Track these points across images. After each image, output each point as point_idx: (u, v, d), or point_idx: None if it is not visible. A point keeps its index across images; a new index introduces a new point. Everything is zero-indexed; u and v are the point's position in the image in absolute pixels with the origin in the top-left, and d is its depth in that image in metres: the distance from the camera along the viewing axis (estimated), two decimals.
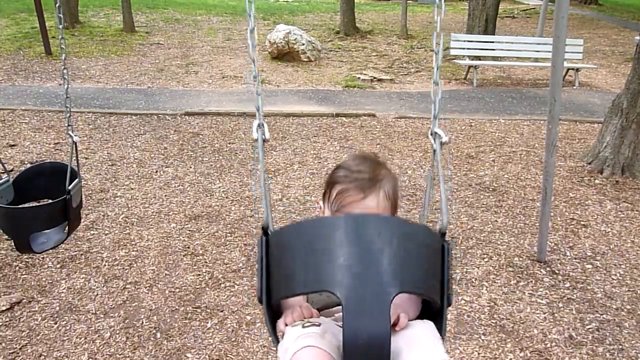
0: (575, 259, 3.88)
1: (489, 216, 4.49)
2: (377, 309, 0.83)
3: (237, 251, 3.84)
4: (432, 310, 1.08)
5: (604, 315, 3.23)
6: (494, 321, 3.14)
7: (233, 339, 2.93)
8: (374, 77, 9.95)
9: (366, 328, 0.83)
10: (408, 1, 15.12)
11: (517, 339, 2.99)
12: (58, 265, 3.60)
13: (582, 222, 4.43)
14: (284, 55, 11.01)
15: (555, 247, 4.02)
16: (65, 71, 2.41)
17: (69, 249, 3.78)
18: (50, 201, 2.42)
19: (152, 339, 2.93)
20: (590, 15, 20.29)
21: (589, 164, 5.60)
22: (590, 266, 3.78)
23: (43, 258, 3.65)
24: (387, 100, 8.48)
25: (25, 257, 3.62)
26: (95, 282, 3.44)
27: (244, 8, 1.34)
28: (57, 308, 3.16)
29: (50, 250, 2.89)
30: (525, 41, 11.05)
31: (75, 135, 2.43)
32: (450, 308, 2.70)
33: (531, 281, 3.56)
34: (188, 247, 3.87)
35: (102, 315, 3.11)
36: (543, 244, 3.81)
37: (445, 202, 1.21)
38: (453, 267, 3.66)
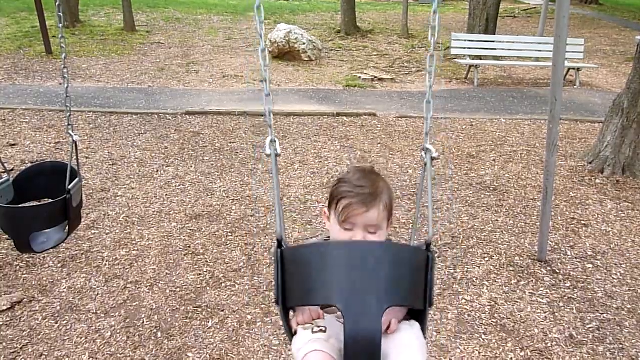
0: (575, 258, 3.87)
1: (490, 216, 4.49)
2: (371, 320, 1.04)
3: (238, 250, 3.84)
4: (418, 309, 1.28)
5: (605, 315, 3.23)
6: (494, 320, 3.14)
7: (234, 339, 2.93)
8: (375, 77, 9.94)
9: (362, 334, 1.04)
10: (409, 1, 15.12)
11: (517, 339, 2.99)
12: (59, 265, 3.60)
13: (583, 222, 4.43)
14: (285, 54, 11.01)
15: (555, 246, 4.02)
16: (65, 70, 2.41)
17: (69, 248, 3.79)
18: (50, 201, 2.42)
19: (152, 338, 2.93)
20: (591, 15, 20.28)
21: (590, 163, 5.60)
22: (590, 266, 3.78)
23: (44, 257, 3.66)
24: (387, 99, 8.48)
25: (26, 256, 3.63)
26: (96, 281, 3.44)
27: (256, 30, 1.49)
28: (58, 307, 3.16)
29: (51, 250, 2.89)
30: (526, 41, 11.04)
31: (75, 135, 2.43)
32: (450, 307, 2.95)
33: (532, 280, 3.56)
34: (189, 247, 3.88)
35: (102, 315, 3.11)
36: (544, 244, 3.81)
37: (431, 216, 1.32)
38: (452, 268, 3.64)
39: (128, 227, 4.14)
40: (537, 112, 7.91)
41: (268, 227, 4.19)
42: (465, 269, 3.67)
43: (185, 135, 6.29)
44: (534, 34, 13.03)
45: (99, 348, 2.84)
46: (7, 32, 12.34)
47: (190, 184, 4.95)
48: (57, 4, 2.30)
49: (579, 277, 3.63)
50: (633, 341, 3.00)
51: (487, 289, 3.45)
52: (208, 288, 3.39)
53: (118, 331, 2.98)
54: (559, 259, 3.85)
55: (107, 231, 4.07)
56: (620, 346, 2.96)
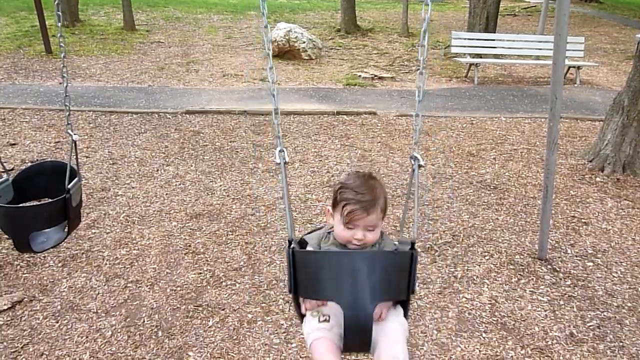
0: (576, 256, 3.87)
1: (490, 214, 4.49)
2: (365, 314, 1.34)
3: (239, 249, 3.84)
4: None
5: (605, 313, 3.23)
6: (495, 319, 3.14)
7: (234, 337, 2.93)
8: (375, 75, 9.94)
9: (358, 324, 1.34)
10: None
11: (518, 337, 2.99)
12: (59, 264, 3.60)
13: (583, 220, 4.43)
14: (285, 53, 11.00)
15: (556, 244, 4.02)
16: (64, 70, 2.40)
17: (70, 247, 3.79)
18: (49, 200, 2.41)
19: (153, 337, 2.93)
20: (591, 13, 20.26)
21: (590, 161, 5.60)
22: (591, 264, 3.78)
23: (44, 257, 3.66)
24: (388, 98, 8.47)
25: (26, 256, 3.63)
26: (97, 280, 3.44)
27: (263, 43, 1.64)
28: (59, 307, 3.17)
29: (51, 249, 2.89)
30: (526, 39, 11.03)
31: (75, 134, 2.42)
32: (451, 306, 3.21)
33: (532, 279, 3.56)
34: (189, 246, 3.88)
35: (103, 314, 3.11)
36: (544, 242, 3.81)
37: (417, 218, 1.64)
38: (452, 266, 3.64)
39: (128, 226, 4.14)
40: (537, 110, 7.91)
41: (268, 225, 4.19)
42: (466, 267, 3.67)
43: (186, 135, 6.28)
44: (534, 32, 13.02)
45: (99, 347, 2.85)
46: (6, 31, 12.34)
47: (191, 183, 4.95)
48: (56, 3, 2.29)
49: (579, 275, 3.63)
50: (633, 339, 3.00)
51: (487, 287, 3.45)
52: (208, 287, 3.39)
53: (119, 330, 2.98)
54: (559, 257, 3.85)
55: (108, 230, 4.07)
56: (621, 344, 2.96)
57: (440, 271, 3.62)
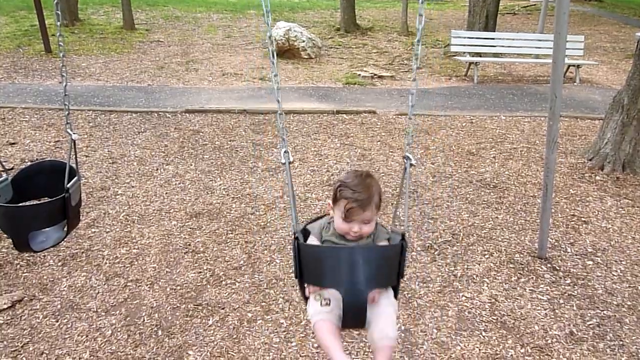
0: (576, 255, 3.88)
1: (490, 213, 4.49)
2: (360, 299, 1.55)
3: (238, 248, 3.84)
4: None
5: (605, 312, 3.23)
6: (494, 317, 3.14)
7: (234, 336, 2.94)
8: (375, 74, 9.93)
9: (355, 308, 1.56)
10: None
11: (518, 335, 2.99)
12: (59, 263, 3.60)
13: (583, 219, 4.43)
14: (285, 52, 10.99)
15: (556, 243, 4.02)
16: (63, 69, 2.40)
17: (70, 247, 3.79)
18: (49, 199, 2.41)
19: (153, 336, 2.94)
20: (591, 11, 20.25)
21: (590, 160, 5.60)
22: (591, 262, 3.78)
23: (44, 256, 3.66)
24: (387, 97, 8.47)
25: (26, 255, 3.63)
26: (97, 280, 3.44)
27: (267, 50, 1.82)
28: (59, 306, 3.17)
29: (51, 249, 2.89)
30: (526, 38, 11.02)
31: (74, 133, 2.42)
32: (451, 304, 3.25)
33: (532, 277, 3.57)
34: (189, 245, 3.88)
35: (103, 313, 3.11)
36: (544, 241, 3.81)
37: (407, 213, 1.86)
38: (452, 265, 3.64)
39: (128, 226, 4.14)
40: (537, 109, 7.91)
41: (268, 224, 4.19)
42: (466, 266, 3.67)
43: (185, 134, 6.28)
44: (533, 31, 13.01)
45: (99, 346, 2.85)
46: (6, 30, 12.33)
47: (190, 182, 4.95)
48: (55, 2, 2.29)
49: (579, 274, 3.63)
50: (633, 338, 3.01)
51: (487, 286, 3.45)
52: (208, 286, 3.39)
53: (119, 329, 2.98)
54: (559, 256, 3.85)
55: (108, 229, 4.07)
56: (621, 343, 2.96)
57: (440, 270, 3.62)
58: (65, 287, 3.35)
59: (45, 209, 2.37)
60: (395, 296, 1.77)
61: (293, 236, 1.70)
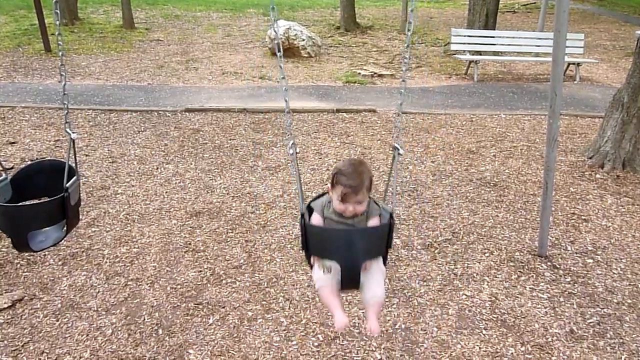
0: (576, 253, 3.88)
1: (490, 211, 4.49)
2: (355, 269, 1.91)
3: (239, 247, 3.84)
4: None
5: (605, 310, 3.23)
6: (495, 316, 3.14)
7: (235, 335, 2.94)
8: (375, 73, 9.93)
9: (350, 275, 1.91)
10: None
11: (518, 334, 3.00)
12: (59, 263, 3.60)
13: (583, 217, 4.43)
14: (284, 51, 10.96)
15: (556, 241, 4.02)
16: (62, 68, 2.39)
17: (70, 246, 3.79)
18: (48, 199, 2.40)
19: (154, 335, 2.94)
20: (591, 9, 20.23)
21: (590, 158, 5.59)
22: (591, 260, 3.78)
23: (44, 255, 3.66)
24: (387, 95, 8.46)
25: (26, 254, 3.63)
26: (97, 279, 3.44)
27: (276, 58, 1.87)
28: (59, 305, 3.17)
29: (52, 248, 2.89)
30: (526, 36, 11.00)
31: (73, 133, 2.41)
32: (451, 303, 3.30)
33: (532, 276, 3.57)
34: (189, 244, 3.88)
35: (103, 312, 3.11)
36: (544, 239, 3.81)
37: (395, 198, 2.10)
38: (452, 263, 3.64)
39: (128, 225, 4.14)
40: (537, 107, 7.90)
41: (268, 223, 4.19)
42: (466, 265, 3.67)
43: (185, 133, 6.28)
44: (533, 29, 12.99)
45: (100, 345, 2.85)
46: (5, 29, 12.32)
47: (190, 181, 4.95)
48: (54, 1, 2.29)
49: (579, 272, 3.63)
50: (633, 335, 3.01)
51: (487, 285, 3.45)
52: (209, 285, 3.39)
53: (119, 328, 2.98)
54: (559, 254, 3.85)
55: (108, 229, 4.08)
56: (621, 341, 2.96)
57: (440, 268, 3.62)
58: (65, 286, 3.36)
59: (44, 208, 2.36)
60: (384, 263, 2.08)
61: (300, 214, 2.01)
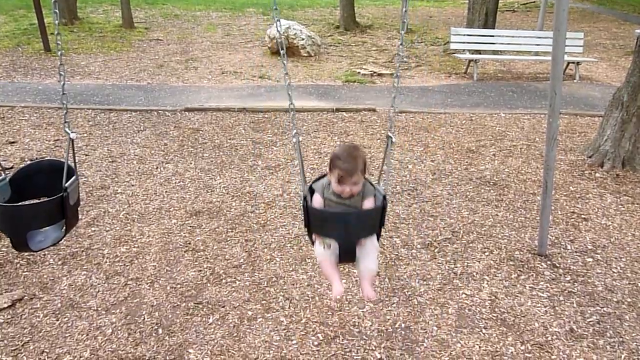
0: (575, 252, 3.88)
1: (490, 210, 4.49)
2: (351, 245, 2.11)
3: (238, 247, 3.84)
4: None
5: (605, 308, 3.23)
6: (495, 315, 3.14)
7: (235, 335, 2.94)
8: (374, 72, 9.92)
9: (347, 251, 2.11)
10: None
11: (518, 332, 3.00)
12: (59, 262, 3.60)
13: (583, 216, 4.43)
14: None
15: (555, 240, 4.02)
16: (61, 67, 2.38)
17: (70, 245, 3.79)
18: (47, 199, 2.40)
19: (154, 334, 2.94)
20: (590, 8, 20.22)
21: (590, 157, 5.59)
22: (590, 259, 3.78)
23: (44, 255, 3.66)
24: (387, 94, 8.46)
25: (26, 254, 3.63)
26: (97, 278, 3.44)
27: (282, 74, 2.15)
28: (59, 305, 3.17)
29: (51, 247, 2.89)
30: (526, 35, 10.99)
31: (72, 132, 2.40)
32: (451, 302, 3.30)
33: (532, 275, 3.57)
34: (189, 243, 3.88)
35: (103, 312, 3.12)
36: (544, 238, 3.81)
37: (388, 179, 2.33)
38: (452, 262, 3.63)
39: (128, 224, 4.14)
40: (536, 106, 7.90)
41: (268, 223, 4.20)
42: (466, 264, 3.68)
43: (185, 132, 6.28)
44: (533, 28, 12.98)
45: (100, 345, 2.85)
46: (5, 29, 12.32)
47: (190, 181, 4.95)
48: (53, 0, 2.29)
49: (579, 271, 3.64)
50: (633, 334, 3.01)
51: (487, 284, 3.45)
52: (208, 284, 3.39)
53: (119, 328, 2.98)
54: (559, 253, 3.85)
55: (107, 228, 4.08)
56: (621, 339, 2.97)
57: (440, 268, 3.62)
58: (65, 285, 3.36)
59: (43, 208, 2.36)
60: (377, 239, 2.26)
61: (302, 197, 2.22)
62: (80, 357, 2.77)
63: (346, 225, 2.10)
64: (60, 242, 2.60)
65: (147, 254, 3.73)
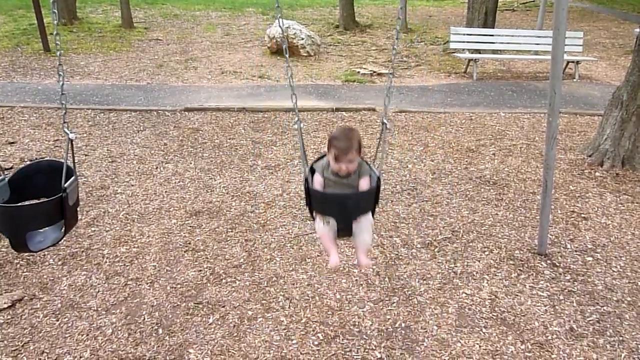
0: (575, 251, 3.88)
1: (490, 209, 4.49)
2: (348, 223, 2.31)
3: (238, 247, 3.84)
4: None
5: (605, 307, 3.23)
6: (495, 314, 3.14)
7: (235, 334, 2.94)
8: (374, 72, 9.92)
9: (345, 228, 2.33)
10: None
11: (518, 332, 3.00)
12: (59, 263, 3.60)
13: (583, 215, 4.43)
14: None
15: (555, 239, 4.02)
16: (60, 67, 2.38)
17: (69, 246, 3.79)
18: (46, 199, 2.40)
19: (154, 334, 2.94)
20: (590, 7, 20.23)
21: (589, 156, 5.60)
22: (590, 258, 3.78)
23: (44, 255, 3.66)
24: None
25: (26, 254, 3.63)
26: (97, 278, 3.44)
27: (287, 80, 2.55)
28: (59, 305, 3.17)
29: (51, 248, 2.88)
30: (525, 34, 10.99)
31: (71, 132, 2.40)
32: (451, 301, 3.33)
33: (532, 274, 3.57)
34: (189, 243, 3.88)
35: (103, 312, 3.12)
36: (543, 237, 3.81)
37: (382, 164, 2.58)
38: (452, 262, 3.63)
39: (128, 224, 4.14)
40: (536, 105, 7.90)
41: (268, 222, 4.19)
42: (466, 263, 3.68)
43: (185, 132, 6.28)
44: (532, 27, 12.99)
45: (100, 345, 2.85)
46: (4, 29, 12.31)
47: (190, 181, 4.95)
48: (52, 0, 2.28)
49: (579, 270, 3.64)
50: (633, 333, 3.01)
51: (487, 283, 3.45)
52: (208, 284, 3.39)
53: (119, 328, 2.98)
54: (558, 252, 3.85)
55: (107, 228, 4.07)
56: (621, 338, 2.97)
57: (440, 267, 3.62)
58: (65, 286, 3.36)
59: (42, 208, 2.35)
60: (372, 215, 2.42)
61: (304, 179, 2.42)
62: (81, 357, 2.77)
63: (344, 206, 2.31)
64: (60, 242, 2.60)
65: (147, 254, 3.73)
